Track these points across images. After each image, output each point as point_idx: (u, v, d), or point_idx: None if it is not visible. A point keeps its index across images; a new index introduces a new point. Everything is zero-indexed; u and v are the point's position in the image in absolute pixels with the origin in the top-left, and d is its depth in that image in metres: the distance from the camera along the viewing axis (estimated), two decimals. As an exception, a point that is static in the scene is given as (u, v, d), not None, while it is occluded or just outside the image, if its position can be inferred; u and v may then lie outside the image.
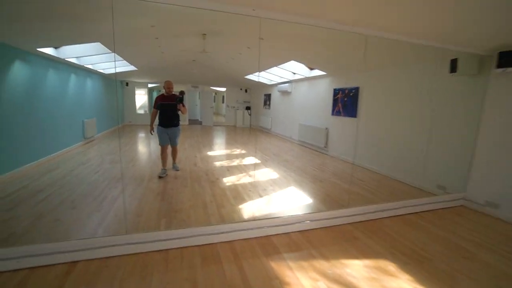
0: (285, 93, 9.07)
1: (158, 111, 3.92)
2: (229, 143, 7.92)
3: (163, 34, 5.01)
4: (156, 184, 3.74)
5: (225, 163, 5.29)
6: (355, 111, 5.45)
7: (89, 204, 2.99)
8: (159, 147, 4.06)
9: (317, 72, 6.64)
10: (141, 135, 9.32)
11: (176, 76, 11.08)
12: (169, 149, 4.17)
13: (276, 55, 5.98)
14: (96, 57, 6.46)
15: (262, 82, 10.25)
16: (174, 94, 3.87)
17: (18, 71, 4.24)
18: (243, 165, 5.17)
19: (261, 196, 3.46)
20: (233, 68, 9.08)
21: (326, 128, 6.47)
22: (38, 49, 4.46)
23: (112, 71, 8.38)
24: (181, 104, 3.75)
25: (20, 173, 3.98)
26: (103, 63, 7.18)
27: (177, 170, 4.28)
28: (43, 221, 2.53)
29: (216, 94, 18.82)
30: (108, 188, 3.49)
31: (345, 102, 5.77)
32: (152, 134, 3.93)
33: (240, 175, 4.44)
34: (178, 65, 9.68)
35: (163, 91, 3.92)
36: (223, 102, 20.78)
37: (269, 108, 10.92)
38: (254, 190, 3.70)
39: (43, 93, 4.98)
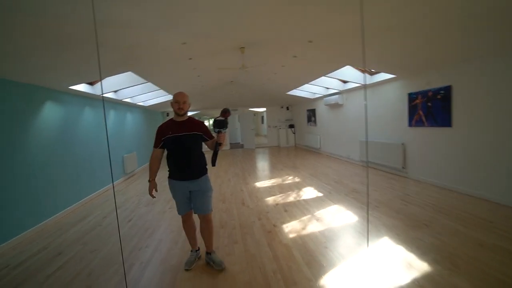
0: (334, 106, 7.88)
1: (166, 152, 2.20)
2: (278, 168, 6.89)
3: (196, 52, 4.38)
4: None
5: (279, 198, 4.23)
6: (448, 119, 4.04)
7: (110, 278, 2.16)
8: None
9: (381, 77, 5.39)
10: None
11: (215, 101, 10.69)
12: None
13: (326, 62, 4.94)
14: (134, 90, 6.19)
15: (304, 97, 9.22)
16: (192, 118, 2.22)
17: (51, 112, 3.89)
18: (303, 200, 4.05)
19: (344, 259, 2.29)
20: (274, 85, 8.26)
21: (403, 144, 5.06)
22: (70, 87, 4.12)
23: (151, 102, 8.21)
24: (221, 133, 2.03)
25: (49, 225, 3.45)
26: (141, 95, 6.94)
27: (220, 268, 2.19)
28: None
29: (255, 115, 18.34)
30: (137, 249, 2.67)
31: (430, 108, 4.38)
32: (153, 197, 2.22)
33: (304, 218, 3.32)
34: (216, 88, 9.24)
35: (178, 115, 2.16)
36: (262, 122, 20.20)
37: (315, 124, 9.75)
38: (331, 246, 2.55)
39: (79, 132, 4.62)
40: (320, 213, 3.46)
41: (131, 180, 6.30)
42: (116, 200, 4.58)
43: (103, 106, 5.39)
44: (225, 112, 2.05)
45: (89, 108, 5.00)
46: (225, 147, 11.95)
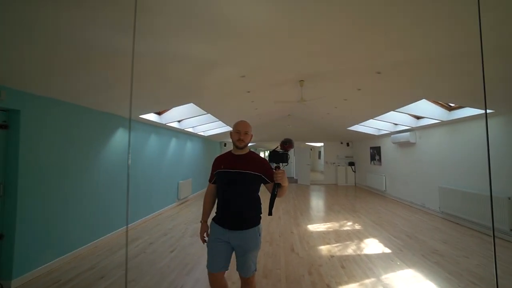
0: (405, 144, 6.90)
1: (219, 189, 1.78)
2: (334, 210, 6.14)
3: (255, 85, 4.41)
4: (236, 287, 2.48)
5: (335, 249, 3.60)
6: None
7: (137, 321, 1.97)
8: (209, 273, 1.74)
9: (468, 112, 4.49)
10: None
11: (271, 133, 10.73)
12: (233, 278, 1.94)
13: (397, 94, 4.37)
14: (195, 120, 6.60)
15: (367, 133, 8.41)
16: (253, 153, 1.81)
17: (120, 138, 4.30)
18: (365, 256, 3.34)
19: None
20: (334, 119, 7.81)
21: (510, 198, 3.91)
22: (141, 116, 4.56)
23: (211, 133, 8.65)
24: (279, 170, 1.60)
25: (103, 243, 3.60)
26: (201, 126, 7.35)
27: None
28: None
29: (312, 149, 17.72)
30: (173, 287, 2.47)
31: (549, 154, 3.31)
32: (204, 242, 1.82)
33: (366, 281, 2.66)
34: (273, 121, 9.27)
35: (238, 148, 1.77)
36: (319, 158, 19.32)
37: (379, 164, 8.69)
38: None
39: (142, 157, 4.99)
40: (388, 278, 2.74)
41: (183, 206, 6.44)
42: (164, 227, 4.61)
43: (129, 128, 5.79)
44: (286, 144, 1.65)
45: (154, 135, 5.44)
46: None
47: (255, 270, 1.74)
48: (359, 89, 4.33)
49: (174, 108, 5.38)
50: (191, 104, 4.80)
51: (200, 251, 3.43)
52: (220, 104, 5.31)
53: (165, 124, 5.47)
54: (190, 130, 7.02)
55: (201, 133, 8.09)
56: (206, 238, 1.80)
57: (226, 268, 1.70)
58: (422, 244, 3.76)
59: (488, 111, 4.12)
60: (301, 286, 2.54)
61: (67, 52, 2.18)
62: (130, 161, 4.46)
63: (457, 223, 4.84)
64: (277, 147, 1.71)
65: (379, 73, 3.45)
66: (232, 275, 2.66)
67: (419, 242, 3.87)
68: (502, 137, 4.11)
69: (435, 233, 4.29)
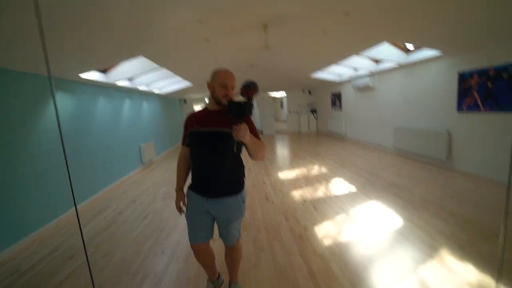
0: (364, 89, 7.15)
1: (192, 152, 1.53)
2: (301, 157, 6.42)
3: (214, 32, 3.91)
4: (218, 245, 2.51)
5: (307, 193, 3.81)
6: (515, 102, 3.33)
7: (121, 293, 1.89)
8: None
9: (421, 55, 4.65)
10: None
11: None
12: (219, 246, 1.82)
13: (360, 37, 4.27)
14: (149, 77, 5.88)
15: (329, 80, 8.49)
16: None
17: (62, 103, 3.64)
18: (334, 196, 3.60)
19: (396, 280, 1.85)
20: (297, 67, 7.63)
21: (448, 131, 4.39)
22: (81, 75, 3.84)
23: (167, 90, 7.91)
24: (239, 125, 1.20)
25: (63, 222, 3.29)
26: (156, 82, 6.62)
27: None
28: None
29: (274, 100, 17.70)
30: (152, 255, 2.40)
31: (490, 90, 3.66)
32: (181, 213, 1.65)
33: (338, 218, 2.89)
34: (234, 72, 8.68)
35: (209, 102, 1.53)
36: (281, 107, 19.52)
37: (340, 109, 9.06)
38: (378, 260, 2.11)
39: (93, 124, 4.40)
40: (356, 212, 3.01)
41: (148, 170, 6.14)
42: (131, 193, 4.37)
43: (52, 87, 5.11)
44: (251, 88, 1.31)
45: (103, 97, 4.75)
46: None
47: (239, 236, 1.63)
48: (325, 33, 4.11)
49: (122, 64, 4.64)
50: (142, 58, 4.15)
51: (175, 214, 3.35)
52: (176, 56, 4.70)
53: (114, 83, 4.76)
54: (144, 88, 6.30)
55: (157, 91, 7.36)
56: (184, 208, 1.62)
57: (210, 237, 1.58)
58: (381, 179, 4.16)
59: (435, 52, 4.31)
60: (280, 233, 2.66)
61: None
62: (60, 128, 3.90)
63: (408, 158, 5.43)
64: (243, 90, 1.36)
65: (347, 14, 3.25)
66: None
67: (379, 177, 4.28)
68: (444, 76, 4.41)
69: (391, 168, 4.77)
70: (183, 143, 1.60)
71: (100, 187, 4.39)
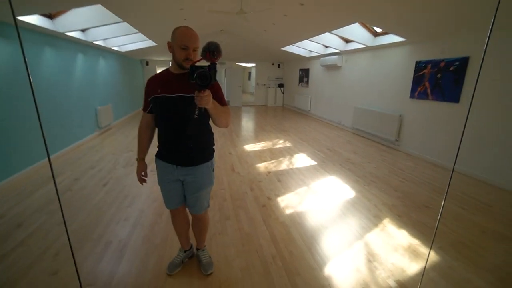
0: (331, 67, 7.36)
1: (157, 120, 1.47)
2: (267, 130, 6.56)
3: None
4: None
5: (271, 165, 3.98)
6: (457, 94, 3.78)
7: (82, 261, 1.86)
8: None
9: (388, 39, 4.89)
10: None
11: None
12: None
13: (335, 15, 4.30)
14: (106, 31, 5.22)
15: (299, 55, 8.51)
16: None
17: (-5, 47, 3.08)
18: (296, 169, 3.84)
19: (347, 243, 2.13)
20: (269, 38, 7.44)
21: (400, 116, 4.84)
22: (20, 18, 3.24)
23: (128, 48, 7.16)
24: (202, 93, 1.12)
25: (7, 187, 2.98)
26: (115, 38, 5.94)
27: (205, 273, 1.73)
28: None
29: (243, 70, 17.23)
30: (115, 223, 2.35)
31: (438, 80, 4.07)
32: (142, 183, 1.63)
33: (299, 190, 3.12)
34: (203, 37, 8.14)
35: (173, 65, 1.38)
36: (249, 79, 19.16)
37: (307, 86, 9.27)
38: (332, 227, 2.38)
39: (38, 78, 3.85)
40: (315, 185, 3.27)
41: (106, 135, 5.72)
42: (89, 159, 4.09)
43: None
44: (214, 53, 1.14)
45: (50, 48, 4.13)
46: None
47: (208, 206, 1.64)
48: (302, 4, 4.03)
49: (73, 11, 4.02)
50: (99, 6, 3.63)
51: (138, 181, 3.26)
52: (139, 9, 4.21)
53: (63, 33, 4.13)
54: (100, 43, 5.60)
55: (116, 48, 6.61)
56: (145, 179, 1.60)
57: (181, 203, 1.61)
58: (339, 155, 4.52)
59: (400, 39, 4.58)
60: (245, 202, 2.80)
61: None
62: None
63: (364, 137, 5.91)
64: (198, 60, 1.23)
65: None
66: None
67: (337, 154, 4.63)
68: (404, 63, 4.75)
69: (348, 146, 5.18)
70: (144, 110, 1.49)
71: (51, 151, 4.00)
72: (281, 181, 3.40)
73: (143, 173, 1.59)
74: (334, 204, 2.78)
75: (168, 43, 1.33)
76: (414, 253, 1.98)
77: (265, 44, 8.52)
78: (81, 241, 2.06)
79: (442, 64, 3.99)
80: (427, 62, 4.27)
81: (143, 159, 1.58)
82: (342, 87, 6.96)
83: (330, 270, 1.79)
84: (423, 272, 1.62)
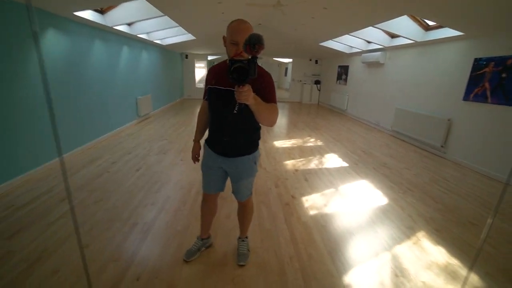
0: (373, 64, 6.88)
1: (209, 107, 1.51)
2: (298, 128, 6.41)
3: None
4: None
5: (299, 163, 3.87)
6: (524, 97, 3.25)
7: (111, 238, 1.99)
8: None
9: (442, 33, 4.38)
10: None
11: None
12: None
13: (378, 7, 3.97)
14: (150, 25, 5.50)
15: (339, 51, 8.10)
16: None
17: (54, 42, 3.43)
18: (325, 169, 3.67)
19: (374, 254, 1.97)
20: (307, 32, 7.18)
21: (449, 120, 4.34)
22: (76, 13, 3.55)
23: (169, 41, 7.49)
24: (242, 87, 1.06)
25: (57, 165, 3.33)
26: (158, 32, 6.24)
27: (238, 263, 1.76)
28: (32, 278, 1.60)
29: (279, 66, 17.04)
30: (143, 206, 2.48)
31: (502, 80, 3.54)
32: (195, 162, 1.72)
33: (326, 191, 2.98)
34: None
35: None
36: (285, 75, 18.90)
37: (345, 83, 8.82)
38: (358, 234, 2.22)
39: (88, 68, 4.21)
40: (345, 188, 3.09)
41: (144, 124, 6.09)
42: (126, 145, 4.39)
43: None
44: (255, 45, 0.98)
45: (100, 41, 4.48)
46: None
47: (251, 194, 1.69)
48: (343, -3, 3.79)
49: (121, 6, 4.30)
50: (144, 1, 3.83)
51: (169, 169, 3.41)
52: (180, 3, 4.35)
53: (111, 27, 4.45)
54: (144, 36, 5.94)
55: (158, 41, 6.97)
56: (200, 158, 1.69)
57: (221, 190, 1.68)
58: (374, 158, 4.22)
59: (457, 33, 4.06)
60: (269, 198, 2.75)
61: None
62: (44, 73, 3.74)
63: (404, 141, 5.45)
64: (238, 54, 1.20)
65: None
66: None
67: (372, 156, 4.33)
68: (459, 60, 4.22)
69: (385, 149, 4.81)
70: (203, 97, 1.58)
71: (94, 136, 4.37)
72: (308, 180, 3.28)
73: (197, 155, 1.71)
74: (363, 210, 2.59)
75: (223, 37, 1.33)
76: (451, 274, 1.76)
77: (303, 39, 8.27)
78: (111, 220, 2.21)
79: (510, 61, 3.46)
80: (489, 60, 3.74)
81: (199, 141, 1.70)
82: (383, 86, 6.48)
83: (350, 279, 1.67)
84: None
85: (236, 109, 1.26)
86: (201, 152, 1.68)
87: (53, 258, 1.74)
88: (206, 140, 1.59)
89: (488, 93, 3.72)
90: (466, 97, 4.07)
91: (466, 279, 1.47)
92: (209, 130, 1.57)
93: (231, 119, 1.37)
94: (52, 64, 3.39)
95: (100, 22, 4.17)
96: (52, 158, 3.31)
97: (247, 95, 1.08)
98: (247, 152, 1.50)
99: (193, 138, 1.70)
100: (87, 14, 3.85)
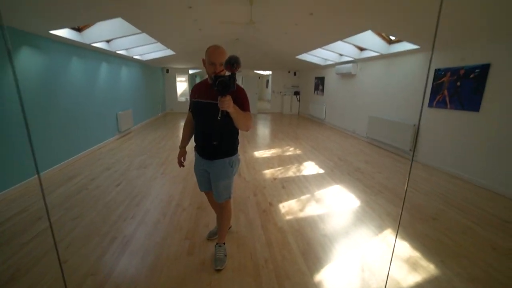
0: (346, 75, 7.29)
1: (193, 118, 1.79)
2: (278, 138, 6.60)
3: (198, 1, 3.77)
4: (187, 214, 2.66)
5: (278, 172, 4.01)
6: (477, 102, 3.61)
7: (89, 253, 2.00)
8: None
9: (403, 46, 4.79)
10: (182, 124, 8.58)
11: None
12: None
13: (346, 24, 4.32)
14: (129, 41, 5.59)
15: (314, 63, 8.52)
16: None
17: (30, 60, 3.44)
18: (303, 177, 3.83)
19: (343, 252, 2.10)
20: (283, 46, 7.55)
21: (414, 125, 4.69)
22: (52, 32, 3.59)
23: (149, 57, 7.59)
24: (224, 98, 1.34)
25: (33, 184, 3.27)
26: (137, 48, 6.33)
27: (215, 267, 1.83)
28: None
29: (259, 78, 17.45)
30: (122, 220, 2.50)
31: (457, 88, 3.92)
32: (181, 166, 1.95)
33: (302, 197, 3.12)
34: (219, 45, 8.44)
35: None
36: (266, 87, 19.36)
37: (322, 94, 9.22)
38: (330, 235, 2.36)
39: (66, 85, 4.21)
40: (320, 193, 3.25)
41: (125, 139, 6.06)
42: (106, 161, 4.36)
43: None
44: (234, 64, 1.28)
45: (77, 58, 4.51)
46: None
47: (229, 197, 1.85)
48: (311, 13, 4.10)
49: (99, 24, 4.38)
50: (121, 20, 3.94)
51: (150, 182, 3.43)
52: (157, 21, 4.50)
53: (89, 44, 4.50)
54: (123, 52, 6.00)
55: (138, 57, 7.04)
56: (184, 163, 1.95)
57: (210, 189, 1.90)
58: (349, 165, 4.44)
59: (414, 46, 4.47)
60: (247, 206, 2.85)
61: None
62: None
63: (378, 146, 5.77)
64: (219, 72, 1.49)
65: (332, -3, 3.26)
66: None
67: (347, 163, 4.56)
68: (421, 72, 4.62)
69: (360, 155, 5.07)
70: (189, 109, 1.85)
71: (74, 153, 4.32)
72: (286, 187, 3.42)
73: (182, 158, 1.95)
74: (336, 213, 2.75)
75: (202, 59, 1.62)
76: (412, 266, 1.92)
77: (279, 53, 8.64)
78: (89, 237, 2.22)
79: (462, 71, 3.84)
80: (446, 70, 4.12)
81: (184, 147, 1.96)
82: (356, 95, 6.86)
83: (321, 277, 1.79)
84: (389, 269, 1.57)
85: (219, 116, 1.46)
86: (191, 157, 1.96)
87: (28, 277, 1.73)
88: (195, 147, 1.83)
89: (447, 99, 4.08)
90: (430, 104, 4.43)
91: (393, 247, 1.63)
92: (194, 137, 1.83)
93: (215, 125, 1.58)
94: (28, 82, 3.38)
95: (77, 40, 4.22)
96: (27, 177, 3.25)
97: (228, 104, 1.34)
98: (225, 155, 1.73)
99: (179, 144, 1.95)
100: (64, 32, 3.89)
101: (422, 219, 2.62)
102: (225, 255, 1.93)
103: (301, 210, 2.79)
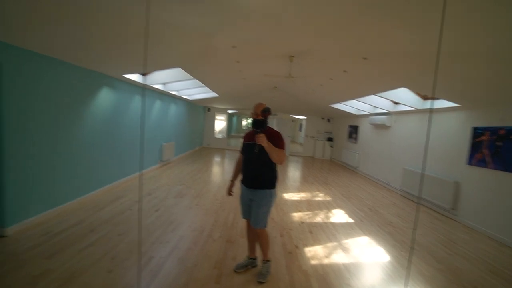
0: (380, 126, 7.34)
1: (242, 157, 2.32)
2: (309, 181, 6.64)
3: (245, 56, 4.40)
4: (216, 245, 2.82)
5: (306, 216, 4.05)
6: (520, 165, 3.45)
7: (130, 266, 2.24)
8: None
9: (440, 104, 4.86)
10: (217, 159, 9.10)
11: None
12: None
13: (379, 81, 4.60)
14: (181, 84, 6.48)
15: (348, 112, 8.75)
16: (270, 128, 2.13)
17: (106, 97, 4.23)
18: (331, 224, 3.81)
19: (371, 305, 2.05)
20: (318, 96, 8.00)
21: (455, 182, 4.49)
22: (124, 75, 4.43)
23: (196, 97, 8.55)
24: (258, 135, 1.92)
25: (88, 200, 3.76)
26: (187, 90, 7.24)
27: (258, 279, 2.21)
28: (63, 295, 1.85)
29: (293, 121, 18.05)
30: (159, 242, 2.75)
31: (498, 148, 3.81)
32: (229, 195, 2.44)
33: (329, 244, 3.11)
34: (259, 92, 9.30)
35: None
36: (300, 130, 19.82)
37: (355, 142, 9.22)
38: (354, 284, 2.32)
39: (127, 117, 4.96)
40: (347, 242, 3.21)
41: (165, 168, 6.62)
42: (148, 187, 4.82)
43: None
44: (265, 112, 2.07)
45: (139, 96, 5.35)
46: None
47: (264, 226, 2.18)
48: (345, 71, 4.48)
49: (158, 71, 5.25)
50: (178, 68, 4.72)
51: (184, 211, 3.71)
52: (208, 71, 5.25)
53: (149, 85, 5.36)
54: (174, 93, 6.92)
55: (186, 97, 7.98)
56: (232, 193, 2.43)
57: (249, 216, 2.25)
58: (380, 216, 4.31)
59: (454, 105, 4.51)
60: (273, 246, 2.93)
61: (50, 6, 2.09)
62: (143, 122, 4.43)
63: (412, 200, 5.50)
64: (256, 117, 2.11)
65: (365, 58, 3.60)
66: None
67: (378, 214, 4.43)
68: (459, 128, 4.56)
69: (392, 208, 4.89)
70: (240, 151, 2.36)
71: (123, 175, 4.88)
72: (313, 232, 3.44)
73: (231, 190, 2.43)
74: (363, 265, 2.69)
75: (251, 113, 2.23)
76: (444, 332, 1.81)
77: (314, 101, 9.11)
78: (131, 252, 2.48)
79: (502, 132, 3.77)
80: (485, 129, 4.07)
81: (233, 180, 2.43)
82: (391, 147, 6.81)
83: (343, 327, 1.78)
84: None
85: (256, 150, 2.01)
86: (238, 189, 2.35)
87: (81, 279, 2.00)
88: (241, 180, 2.28)
89: (488, 159, 3.94)
90: (469, 162, 4.29)
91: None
92: (242, 171, 2.29)
93: (255, 158, 2.10)
94: (103, 114, 4.11)
95: (142, 82, 5.07)
96: (81, 195, 3.75)
97: (262, 139, 1.91)
98: (264, 187, 2.14)
99: (230, 178, 2.44)
100: (134, 77, 4.74)
101: (460, 285, 2.45)
102: (268, 271, 2.27)
103: (327, 256, 2.79)
